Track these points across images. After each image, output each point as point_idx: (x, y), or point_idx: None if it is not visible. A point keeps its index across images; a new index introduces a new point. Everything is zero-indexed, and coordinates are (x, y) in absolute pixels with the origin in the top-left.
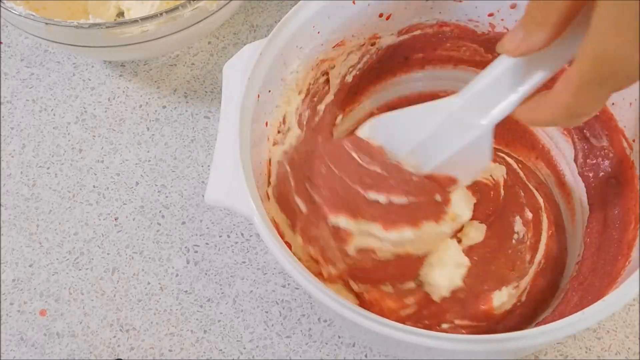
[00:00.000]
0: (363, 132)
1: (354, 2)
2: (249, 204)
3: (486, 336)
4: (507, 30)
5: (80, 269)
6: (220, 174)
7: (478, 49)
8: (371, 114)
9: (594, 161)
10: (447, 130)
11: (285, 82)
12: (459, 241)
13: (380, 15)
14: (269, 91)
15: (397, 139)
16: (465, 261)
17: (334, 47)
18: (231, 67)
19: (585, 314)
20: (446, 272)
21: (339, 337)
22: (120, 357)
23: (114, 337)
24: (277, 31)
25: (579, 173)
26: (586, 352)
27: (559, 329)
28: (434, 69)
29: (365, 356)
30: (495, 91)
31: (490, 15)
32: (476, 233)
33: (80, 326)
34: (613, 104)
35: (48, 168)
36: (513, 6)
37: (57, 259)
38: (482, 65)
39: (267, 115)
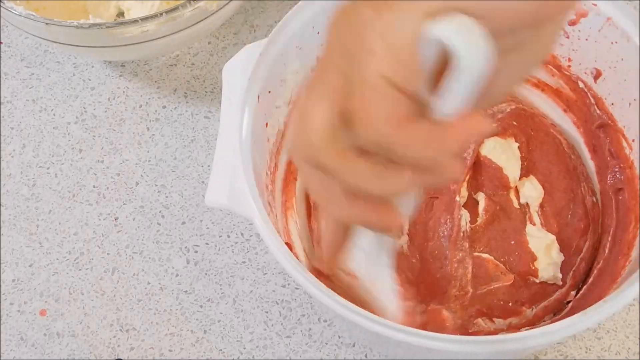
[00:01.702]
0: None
1: None
2: (250, 205)
3: (487, 337)
4: None
5: (80, 269)
6: (221, 176)
7: None
8: None
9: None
10: None
11: (285, 82)
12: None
13: None
14: (269, 92)
15: None
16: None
17: None
18: (231, 68)
19: (586, 314)
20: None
21: (339, 337)
22: (120, 357)
23: (114, 337)
24: (277, 32)
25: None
26: (586, 352)
27: (559, 329)
28: None
29: (365, 356)
30: None
31: None
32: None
33: (80, 326)
34: (612, 104)
35: (48, 168)
36: None
37: (57, 259)
38: None
39: (268, 117)
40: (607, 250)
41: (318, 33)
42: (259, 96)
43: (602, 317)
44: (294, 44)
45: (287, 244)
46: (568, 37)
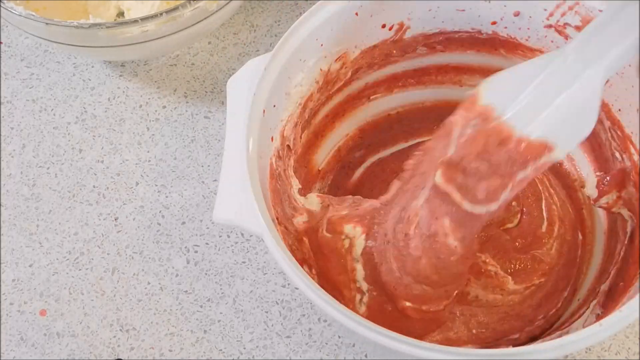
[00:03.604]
0: (483, 89)
1: (356, 14)
2: (260, 222)
3: (500, 350)
4: (511, 38)
5: (80, 269)
6: (228, 193)
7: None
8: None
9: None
10: (557, 80)
11: (289, 95)
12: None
13: (383, 26)
14: (274, 106)
15: (508, 95)
16: None
17: (336, 59)
18: (235, 83)
19: (602, 325)
20: None
21: (339, 337)
22: (120, 357)
23: (114, 337)
24: (281, 45)
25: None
26: (586, 352)
27: (576, 341)
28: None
29: (365, 356)
30: (610, 32)
31: (494, 23)
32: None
33: (80, 326)
34: (620, 110)
35: (48, 168)
36: (516, 14)
37: (57, 259)
38: (485, 71)
39: (273, 130)
40: (620, 257)
41: (321, 45)
42: (264, 111)
43: (619, 327)
44: (297, 57)
45: (299, 261)
46: None
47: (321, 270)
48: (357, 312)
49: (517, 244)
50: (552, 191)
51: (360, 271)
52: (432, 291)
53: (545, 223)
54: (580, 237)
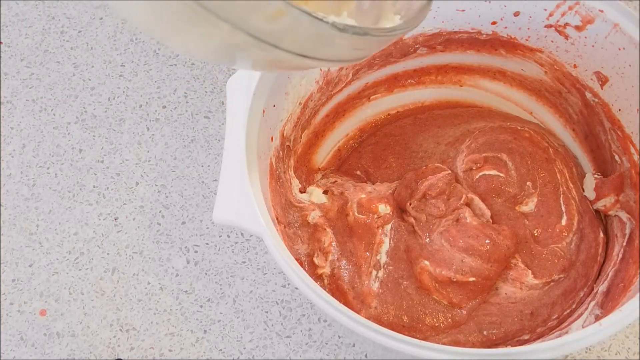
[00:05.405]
0: None
1: None
2: (259, 222)
3: (501, 350)
4: (511, 38)
5: (80, 269)
6: (228, 193)
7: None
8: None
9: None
10: None
11: (289, 95)
12: None
13: None
14: (274, 106)
15: None
16: None
17: None
18: (235, 84)
19: (602, 325)
20: None
21: (339, 337)
22: (120, 357)
23: (114, 337)
24: None
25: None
26: (586, 352)
27: (576, 341)
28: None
29: (365, 356)
30: None
31: (494, 23)
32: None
33: (80, 326)
34: (620, 110)
35: (48, 168)
36: (517, 13)
37: (57, 259)
38: (485, 71)
39: (273, 130)
40: (619, 258)
41: None
42: (264, 110)
43: (619, 327)
44: None
45: (298, 260)
46: (573, 44)
47: (347, 250)
48: (370, 288)
49: (536, 232)
50: (571, 185)
51: (386, 244)
52: (474, 263)
53: (565, 217)
54: (601, 235)
